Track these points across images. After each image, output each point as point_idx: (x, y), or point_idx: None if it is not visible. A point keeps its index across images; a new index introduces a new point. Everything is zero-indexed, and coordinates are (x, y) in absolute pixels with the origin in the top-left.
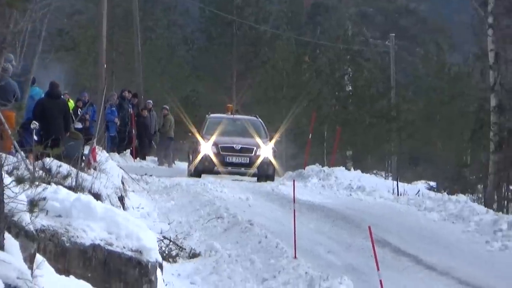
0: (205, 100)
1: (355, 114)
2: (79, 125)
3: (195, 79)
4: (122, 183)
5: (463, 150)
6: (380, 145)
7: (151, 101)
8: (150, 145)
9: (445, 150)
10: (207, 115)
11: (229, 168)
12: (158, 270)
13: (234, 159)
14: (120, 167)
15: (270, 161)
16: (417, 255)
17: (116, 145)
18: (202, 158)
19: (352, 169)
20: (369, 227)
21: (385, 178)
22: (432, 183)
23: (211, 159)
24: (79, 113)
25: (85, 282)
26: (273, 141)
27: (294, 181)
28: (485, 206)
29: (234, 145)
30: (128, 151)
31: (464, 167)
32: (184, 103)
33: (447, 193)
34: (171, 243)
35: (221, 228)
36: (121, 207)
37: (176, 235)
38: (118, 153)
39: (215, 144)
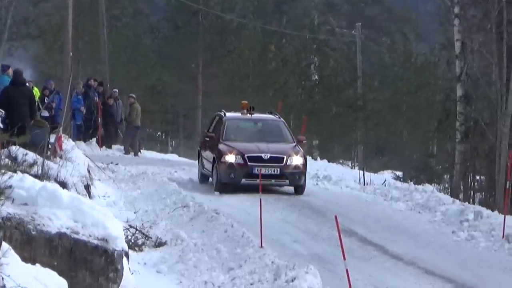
0: (171, 88)
1: (321, 104)
2: (45, 113)
3: (161, 68)
4: (88, 171)
5: (429, 140)
6: (347, 134)
7: (117, 90)
8: (116, 133)
9: (411, 140)
10: (222, 115)
11: (257, 181)
12: (124, 258)
13: (263, 170)
14: (86, 156)
15: (302, 170)
16: (383, 244)
17: (82, 134)
18: (227, 169)
19: (318, 158)
20: (336, 217)
21: (352, 168)
22: (399, 173)
23: (238, 171)
24: (45, 101)
25: (51, 270)
26: (302, 145)
27: (260, 170)
28: (451, 196)
29: (263, 155)
30: (94, 139)
31: (430, 157)
32: (150, 92)
33: (413, 183)
34: (137, 231)
35: (187, 217)
36: (87, 196)
37: (142, 224)
38: (84, 142)
39: (240, 153)
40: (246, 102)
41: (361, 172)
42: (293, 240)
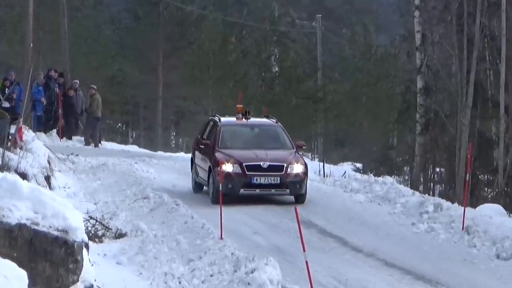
0: (131, 79)
1: (281, 95)
2: (6, 104)
3: (122, 58)
4: (49, 162)
5: (389, 132)
6: (307, 126)
7: (78, 81)
8: (77, 125)
9: (371, 132)
10: (216, 120)
11: (257, 191)
12: (84, 250)
13: (262, 180)
14: (47, 147)
15: (302, 179)
16: (343, 236)
17: (42, 125)
18: (224, 179)
19: None
20: (295, 208)
21: (312, 159)
22: (358, 165)
23: (235, 181)
24: (6, 92)
25: (11, 261)
26: (301, 152)
27: (219, 162)
28: (411, 188)
29: (261, 163)
30: (55, 130)
31: (390, 149)
32: (110, 83)
33: (373, 175)
34: (97, 223)
35: (147, 208)
36: (48, 187)
37: (102, 215)
38: (45, 133)
39: (238, 162)
40: (241, 106)
41: (321, 164)
42: (252, 231)
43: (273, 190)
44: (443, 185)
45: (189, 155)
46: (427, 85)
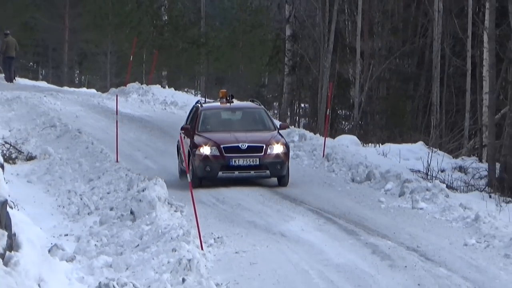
0: (42, 25)
1: (170, 40)
2: None
3: (34, 7)
4: None
5: (261, 73)
6: (191, 67)
7: None
8: None
9: (247, 72)
10: (197, 104)
11: (236, 173)
12: (0, 170)
13: (241, 161)
14: None
15: (283, 159)
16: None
17: None
18: (201, 162)
19: (166, 87)
20: (181, 137)
21: (195, 95)
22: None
23: (213, 163)
24: None
25: None
26: (283, 132)
27: (117, 96)
28: (279, 120)
29: (240, 144)
30: None
31: (262, 87)
32: (24, 28)
33: None
34: (11, 147)
35: (54, 135)
36: None
37: (16, 141)
38: None
39: (216, 144)
40: (224, 90)
41: (203, 99)
42: (144, 156)
43: (252, 172)
44: (307, 119)
45: (91, 90)
46: (294, 33)
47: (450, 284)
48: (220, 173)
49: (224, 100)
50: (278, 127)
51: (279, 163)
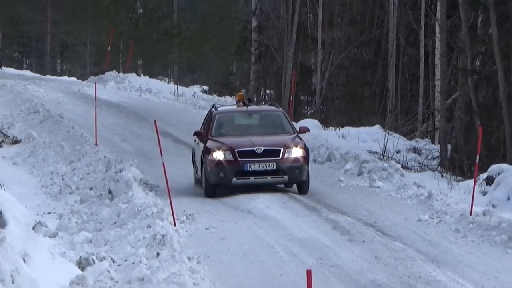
0: (26, 18)
1: (145, 32)
2: None
3: (18, 1)
4: None
5: (230, 61)
6: (165, 56)
7: None
8: None
9: (216, 61)
10: (212, 109)
11: (251, 179)
12: None
13: (257, 166)
14: None
15: (302, 163)
16: (191, 143)
17: None
18: (214, 168)
19: (142, 75)
20: (155, 121)
21: (168, 83)
22: (205, 87)
23: (227, 169)
24: None
25: None
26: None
27: (95, 83)
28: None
29: (255, 148)
30: None
31: (230, 75)
32: (10, 21)
33: (217, 95)
34: None
35: (38, 120)
36: None
37: (2, 125)
38: None
39: (230, 148)
40: (241, 93)
41: (176, 86)
42: (121, 139)
43: (269, 177)
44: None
45: (72, 79)
46: (260, 25)
47: (405, 257)
48: (234, 179)
49: (241, 103)
50: (298, 130)
51: (298, 168)
